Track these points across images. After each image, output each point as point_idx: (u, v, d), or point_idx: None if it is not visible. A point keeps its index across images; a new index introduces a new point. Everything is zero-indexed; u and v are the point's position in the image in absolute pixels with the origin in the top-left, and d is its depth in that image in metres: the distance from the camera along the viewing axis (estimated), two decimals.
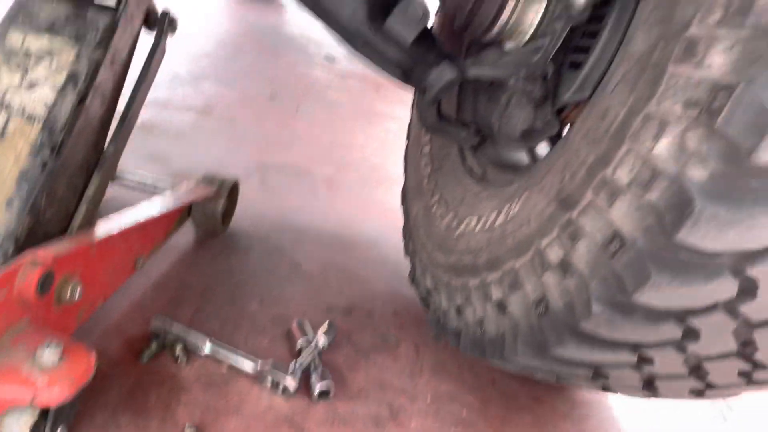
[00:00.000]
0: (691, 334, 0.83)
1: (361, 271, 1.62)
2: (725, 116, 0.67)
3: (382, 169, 2.39)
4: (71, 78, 1.02)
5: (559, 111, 1.13)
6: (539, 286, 0.92)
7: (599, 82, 1.03)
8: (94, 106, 1.07)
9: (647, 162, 0.75)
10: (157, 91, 2.58)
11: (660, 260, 0.75)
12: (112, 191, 1.69)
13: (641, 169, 0.76)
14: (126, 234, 1.21)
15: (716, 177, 0.69)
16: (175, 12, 1.26)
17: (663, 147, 0.74)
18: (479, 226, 1.14)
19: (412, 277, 1.45)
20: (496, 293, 1.02)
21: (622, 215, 0.79)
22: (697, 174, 0.71)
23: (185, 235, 1.59)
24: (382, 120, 3.06)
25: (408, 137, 1.68)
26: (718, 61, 0.69)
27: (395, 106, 3.31)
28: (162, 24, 1.22)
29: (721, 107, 0.68)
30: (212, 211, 1.56)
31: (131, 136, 1.92)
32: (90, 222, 1.12)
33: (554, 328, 0.91)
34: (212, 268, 1.47)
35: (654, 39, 0.79)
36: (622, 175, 0.79)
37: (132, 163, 1.90)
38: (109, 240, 1.14)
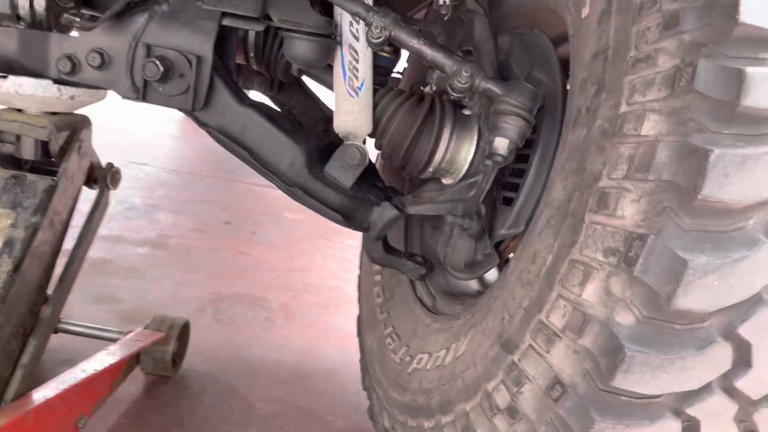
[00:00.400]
0: None
1: (319, 408, 1.57)
2: (642, 264, 0.70)
3: (341, 292, 2.38)
4: (7, 245, 1.02)
5: (500, 243, 1.16)
6: (491, 431, 0.90)
7: (531, 216, 1.07)
8: (31, 270, 1.05)
9: (577, 307, 0.77)
10: (110, 224, 2.58)
11: (601, 405, 0.75)
12: (57, 342, 1.63)
13: (573, 315, 0.77)
14: (66, 395, 1.16)
15: (642, 322, 0.71)
16: (117, 167, 1.29)
17: (590, 293, 0.75)
18: (431, 363, 1.13)
19: (371, 414, 1.41)
20: None
21: (561, 360, 0.79)
22: (624, 319, 0.72)
23: (133, 382, 1.53)
24: (340, 238, 3.09)
25: (360, 266, 1.69)
26: (629, 212, 0.72)
27: None
28: (104, 181, 1.24)
29: (637, 256, 0.70)
30: (162, 356, 1.52)
31: (80, 276, 1.89)
32: (26, 388, 1.07)
33: None
34: (161, 420, 1.40)
35: (570, 188, 0.83)
36: (556, 319, 0.80)
37: (80, 306, 1.85)
38: (47, 405, 1.09)
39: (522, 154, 1.10)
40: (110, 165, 1.27)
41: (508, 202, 1.12)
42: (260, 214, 3.22)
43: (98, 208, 1.22)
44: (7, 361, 1.02)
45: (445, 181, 1.27)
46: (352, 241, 3.05)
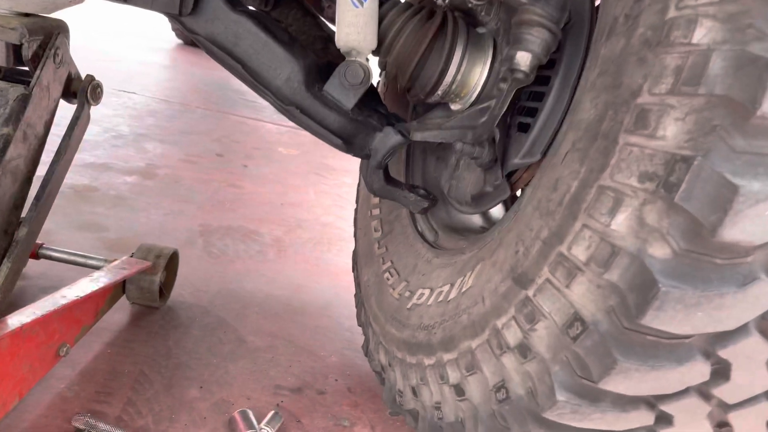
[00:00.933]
0: (664, 420, 0.76)
1: (311, 343, 1.52)
2: (684, 190, 0.62)
3: (334, 228, 2.31)
4: None
5: (511, 174, 1.08)
6: (498, 370, 0.85)
7: (550, 145, 0.99)
8: (3, 186, 0.97)
9: (605, 238, 0.69)
10: (96, 151, 2.48)
11: (626, 344, 0.69)
12: (38, 268, 1.56)
13: (599, 246, 0.70)
14: (45, 321, 1.09)
15: (679, 255, 0.64)
16: (98, 79, 1.18)
17: (620, 222, 0.68)
18: (432, 298, 1.07)
19: (366, 350, 1.36)
20: (452, 375, 0.94)
21: (582, 296, 0.72)
22: (659, 252, 0.65)
23: (119, 311, 1.47)
24: (334, 175, 3.00)
25: (357, 199, 1.61)
26: (672, 131, 0.64)
27: (348, 159, 3.27)
28: (84, 94, 1.14)
29: (679, 181, 0.63)
30: (149, 285, 1.45)
31: (64, 203, 1.80)
32: (0, 312, 1.00)
33: (517, 416, 0.83)
34: (147, 350, 1.35)
35: (602, 107, 0.74)
36: (579, 252, 0.73)
37: (63, 233, 1.78)
38: (23, 331, 1.02)
39: (540, 75, 1.01)
40: (90, 77, 1.16)
41: (524, 128, 1.04)
42: (253, 147, 3.11)
43: (77, 124, 1.12)
44: None
45: (454, 106, 1.18)
46: (346, 178, 2.96)
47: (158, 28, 5.98)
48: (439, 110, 1.21)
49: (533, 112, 1.02)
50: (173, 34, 5.91)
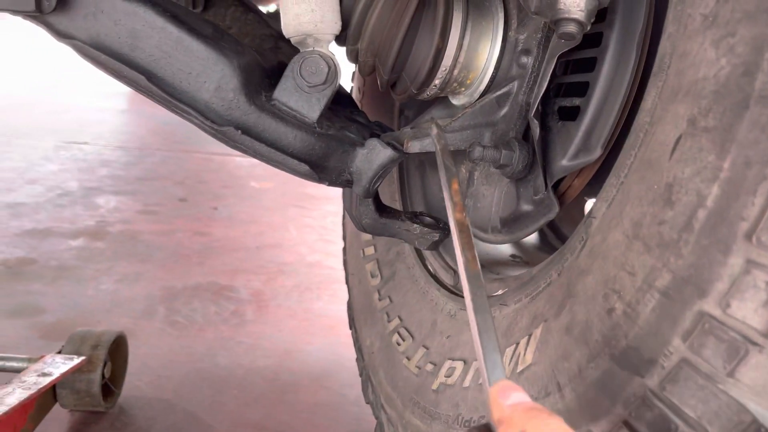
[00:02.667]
0: None
1: (309, 430, 1.18)
2: None
3: (323, 269, 1.97)
4: None
5: (555, 183, 0.75)
6: None
7: (615, 133, 0.67)
8: None
9: None
10: (37, 215, 2.14)
11: None
12: None
13: None
14: None
15: None
16: None
17: None
18: (470, 377, 0.73)
19: None
20: None
21: (764, 389, 0.40)
22: None
23: (53, 424, 1.12)
24: (317, 204, 2.67)
25: (344, 237, 1.28)
26: None
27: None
28: None
29: None
30: (87, 386, 1.11)
31: None
32: None
33: None
34: None
35: (748, 49, 0.42)
36: (747, 311, 0.40)
37: None
38: None
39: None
40: None
41: (569, 115, 0.71)
42: (221, 186, 2.77)
43: None
44: None
45: (458, 100, 0.86)
46: (330, 206, 2.63)
47: None
48: (438, 109, 0.89)
49: (580, 90, 0.70)
50: None
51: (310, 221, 2.44)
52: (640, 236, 0.50)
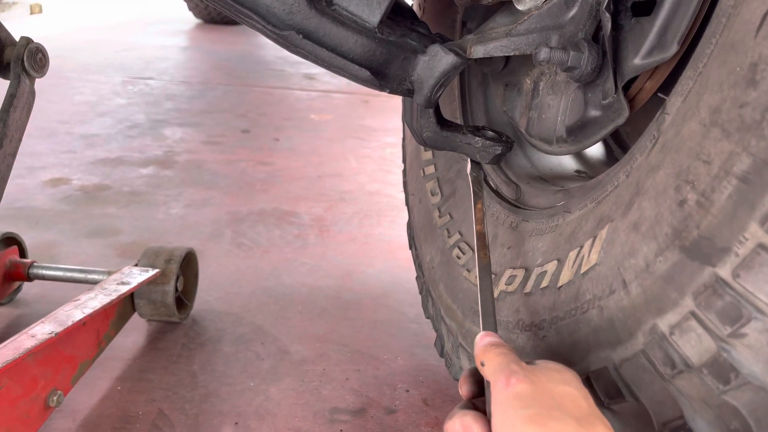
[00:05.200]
0: None
1: (370, 345, 1.22)
2: None
3: (382, 197, 1.98)
4: None
5: (625, 86, 0.72)
6: (668, 400, 0.51)
7: (695, 25, 0.63)
8: None
9: None
10: (109, 146, 2.23)
11: None
12: (36, 290, 1.31)
13: None
14: (18, 370, 0.83)
15: None
16: (38, 43, 0.88)
17: None
18: (531, 283, 0.73)
19: (440, 350, 1.05)
20: None
21: None
22: None
23: (133, 333, 1.20)
24: (375, 136, 2.66)
25: (404, 159, 1.28)
26: None
27: (390, 116, 2.92)
28: (19, 63, 0.84)
29: None
30: (162, 297, 1.17)
31: (69, 208, 1.56)
32: None
33: None
34: (167, 381, 1.07)
35: None
36: None
37: (71, 244, 1.52)
38: None
39: None
40: (26, 40, 0.86)
41: (643, 9, 0.67)
42: (282, 118, 2.80)
43: (14, 103, 0.83)
44: None
45: (522, 5, 0.82)
46: (389, 137, 2.63)
47: (175, 11, 5.72)
48: (503, 15, 0.86)
49: None
50: (191, 14, 5.63)
51: (368, 152, 2.44)
52: (718, 123, 0.47)
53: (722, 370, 0.46)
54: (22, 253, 1.28)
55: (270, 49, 4.33)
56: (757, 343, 0.44)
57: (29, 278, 1.23)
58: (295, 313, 1.31)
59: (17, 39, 0.87)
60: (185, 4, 5.46)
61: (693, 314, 0.48)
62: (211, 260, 1.48)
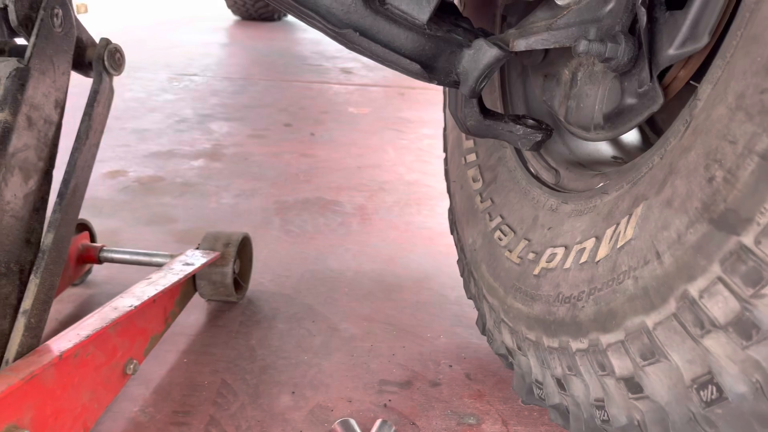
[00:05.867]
0: None
1: (414, 324, 1.29)
2: None
3: (421, 186, 2.05)
4: None
5: (660, 75, 0.77)
6: (700, 358, 0.57)
7: (724, 18, 0.68)
8: (12, 186, 0.78)
9: None
10: (160, 140, 2.34)
11: None
12: (105, 272, 1.41)
13: None
14: (101, 340, 0.92)
15: None
16: (116, 44, 0.97)
17: None
18: (571, 259, 0.79)
19: (482, 327, 1.11)
20: (620, 365, 0.67)
21: None
22: None
23: (195, 311, 1.29)
24: (413, 127, 2.73)
25: (445, 148, 1.34)
26: None
27: (426, 108, 2.98)
28: (100, 62, 0.93)
29: None
30: (221, 278, 1.26)
31: (129, 197, 1.65)
32: (34, 339, 0.82)
33: (737, 422, 0.56)
34: (229, 354, 1.16)
35: None
36: None
37: (130, 230, 1.63)
38: (73, 355, 0.85)
39: None
40: (106, 41, 0.95)
41: (676, 3, 0.73)
42: (321, 112, 2.89)
43: (97, 98, 0.92)
44: (0, 308, 0.77)
45: (562, 0, 0.88)
46: (426, 129, 2.69)
47: (214, 8, 5.86)
48: (543, 10, 0.91)
49: None
50: (229, 11, 5.77)
51: (406, 143, 2.51)
52: (742, 107, 0.53)
53: (745, 327, 0.52)
54: (92, 238, 1.39)
55: (307, 44, 4.43)
56: None
57: (99, 261, 1.33)
58: (342, 295, 1.39)
59: (97, 40, 0.97)
60: (224, 1, 5.60)
61: (720, 279, 0.53)
62: (262, 246, 1.57)
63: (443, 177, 1.34)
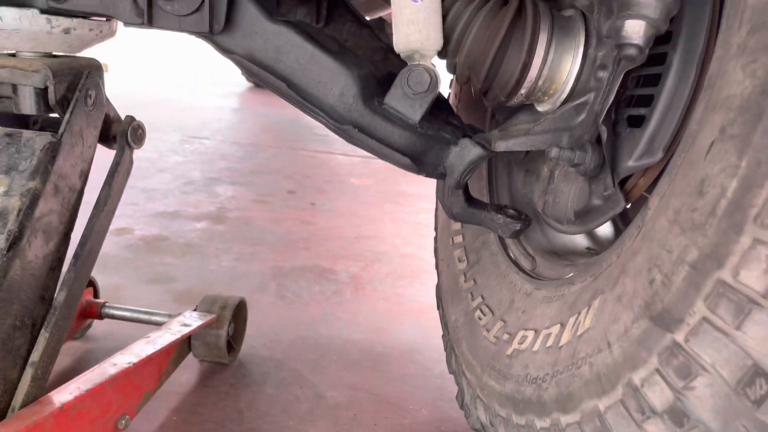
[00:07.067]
0: None
1: (398, 395, 1.34)
2: None
3: (415, 260, 2.13)
4: None
5: (622, 182, 0.87)
6: None
7: (674, 140, 0.77)
8: (35, 247, 0.86)
9: None
10: (166, 200, 2.44)
11: None
12: (105, 328, 1.47)
13: None
14: (98, 394, 0.97)
15: None
16: (139, 120, 1.07)
17: None
18: (538, 343, 0.86)
19: (461, 402, 1.16)
20: None
21: (765, 341, 0.51)
22: None
23: (187, 371, 1.35)
24: (411, 201, 2.83)
25: (435, 227, 1.43)
26: None
27: (425, 183, 3.08)
28: (124, 137, 1.03)
29: None
30: (215, 340, 1.32)
31: (133, 256, 1.72)
32: (39, 390, 0.88)
33: None
34: (217, 415, 1.21)
35: (765, 73, 0.53)
36: (752, 278, 0.51)
37: (132, 287, 1.70)
38: (71, 408, 0.90)
39: (651, 54, 0.80)
40: (130, 118, 1.06)
41: (636, 122, 0.83)
42: (324, 181, 3.00)
43: (118, 170, 1.01)
44: (11, 359, 0.84)
45: (542, 107, 0.99)
46: (424, 203, 2.79)
47: (228, 73, 6.11)
48: (525, 114, 1.02)
49: (647, 101, 0.81)
50: (243, 78, 6.01)
51: (404, 216, 2.61)
52: (678, 221, 0.61)
53: (678, 415, 0.58)
54: (95, 294, 1.45)
55: None
56: (703, 395, 0.56)
57: (101, 317, 1.40)
58: (330, 363, 1.44)
59: (122, 116, 1.07)
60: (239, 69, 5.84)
61: (657, 370, 0.60)
62: (257, 310, 1.64)
63: (434, 257, 1.42)
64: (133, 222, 2.19)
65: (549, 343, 0.83)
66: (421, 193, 2.94)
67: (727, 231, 0.54)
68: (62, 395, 0.89)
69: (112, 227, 1.02)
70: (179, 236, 2.12)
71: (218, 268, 1.90)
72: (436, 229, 1.43)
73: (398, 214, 2.63)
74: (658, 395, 0.60)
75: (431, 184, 3.01)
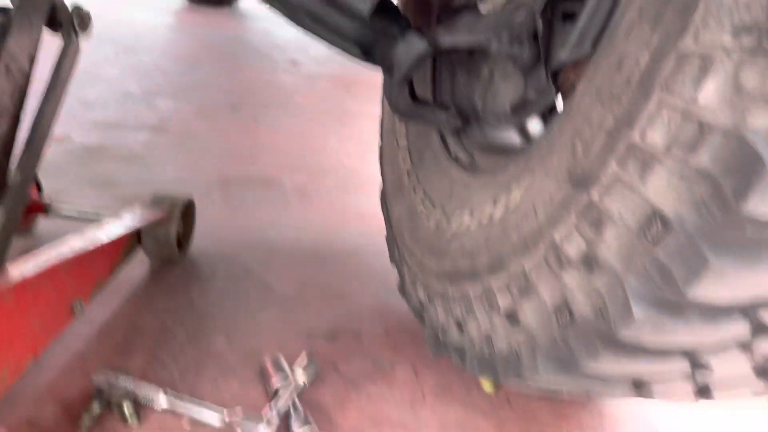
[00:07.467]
0: (764, 329, 0.65)
1: (343, 287, 1.43)
2: None
3: (359, 173, 2.19)
4: None
5: (554, 76, 0.94)
6: (558, 289, 0.73)
7: (601, 33, 0.85)
8: None
9: (689, 115, 0.57)
10: (105, 111, 2.39)
11: (720, 241, 0.57)
12: (47, 226, 1.48)
13: (682, 126, 0.58)
14: (53, 274, 1.01)
15: None
16: (86, 9, 1.06)
17: (710, 92, 0.55)
18: (474, 222, 0.95)
19: (402, 289, 1.26)
20: (503, 302, 0.83)
21: (662, 189, 0.60)
22: (763, 122, 0.52)
23: (138, 266, 1.39)
24: (355, 119, 2.87)
25: (381, 134, 1.49)
26: None
27: (369, 103, 3.11)
28: (70, 23, 1.02)
29: None
30: (165, 235, 1.36)
31: (75, 161, 1.70)
32: None
33: (583, 339, 0.72)
34: (169, 303, 1.26)
35: None
36: (656, 137, 0.60)
37: (77, 191, 1.70)
38: (28, 284, 0.94)
39: None
40: (78, 7, 1.04)
41: (568, 18, 0.90)
42: (269, 98, 2.98)
43: (66, 55, 1.01)
44: None
45: (485, 7, 1.04)
46: (369, 122, 2.83)
47: None
48: (468, 15, 1.07)
49: None
50: None
51: (349, 134, 2.65)
52: (599, 97, 0.69)
53: (590, 263, 0.68)
54: (39, 191, 1.45)
55: (257, 34, 4.50)
56: (610, 241, 0.66)
57: (47, 213, 1.40)
58: (279, 261, 1.51)
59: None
60: None
61: (575, 226, 0.70)
62: (204, 215, 1.66)
63: (379, 164, 1.48)
64: (72, 130, 2.14)
65: (483, 222, 0.92)
66: (365, 112, 2.97)
67: (638, 98, 0.62)
68: (21, 268, 0.92)
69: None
70: (121, 145, 2.09)
71: (163, 174, 1.91)
72: (381, 137, 1.49)
73: (343, 132, 2.66)
74: (574, 248, 0.70)
75: (374, 103, 3.04)
